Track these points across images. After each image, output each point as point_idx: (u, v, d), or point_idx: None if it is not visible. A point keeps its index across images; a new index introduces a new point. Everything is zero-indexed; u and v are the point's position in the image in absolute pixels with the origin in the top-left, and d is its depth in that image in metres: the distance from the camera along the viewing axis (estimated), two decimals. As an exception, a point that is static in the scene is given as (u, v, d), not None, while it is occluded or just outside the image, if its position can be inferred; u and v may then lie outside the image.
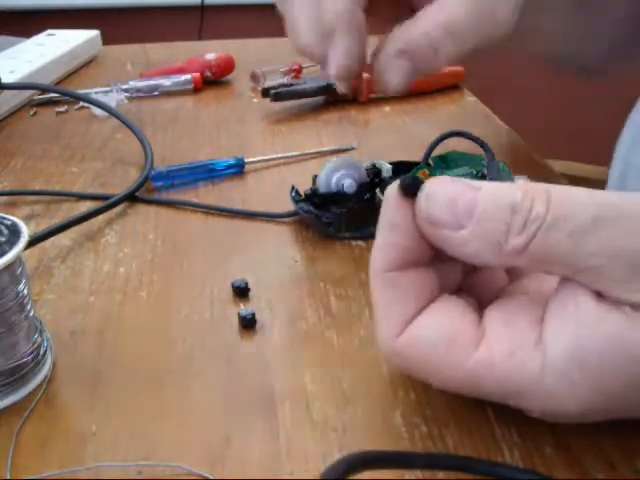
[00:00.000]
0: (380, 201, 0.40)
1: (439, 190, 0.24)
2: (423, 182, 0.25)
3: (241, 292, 0.35)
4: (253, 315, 0.32)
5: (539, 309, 0.24)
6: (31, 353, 0.29)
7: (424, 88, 0.66)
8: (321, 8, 0.34)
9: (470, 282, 0.28)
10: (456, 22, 0.33)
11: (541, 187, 0.23)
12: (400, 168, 0.42)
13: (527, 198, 0.22)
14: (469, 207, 0.23)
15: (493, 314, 0.25)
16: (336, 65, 0.35)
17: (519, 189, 0.23)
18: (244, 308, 0.34)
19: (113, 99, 0.65)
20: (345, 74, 0.35)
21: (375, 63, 0.35)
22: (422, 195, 0.25)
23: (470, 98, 0.67)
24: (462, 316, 0.25)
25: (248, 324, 0.32)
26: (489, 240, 0.23)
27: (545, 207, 0.22)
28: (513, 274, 0.29)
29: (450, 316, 0.25)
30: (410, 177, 0.25)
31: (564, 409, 0.23)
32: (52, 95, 0.66)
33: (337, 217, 0.40)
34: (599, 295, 0.22)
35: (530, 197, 0.22)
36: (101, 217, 0.43)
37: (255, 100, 0.67)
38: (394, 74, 0.34)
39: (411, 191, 0.25)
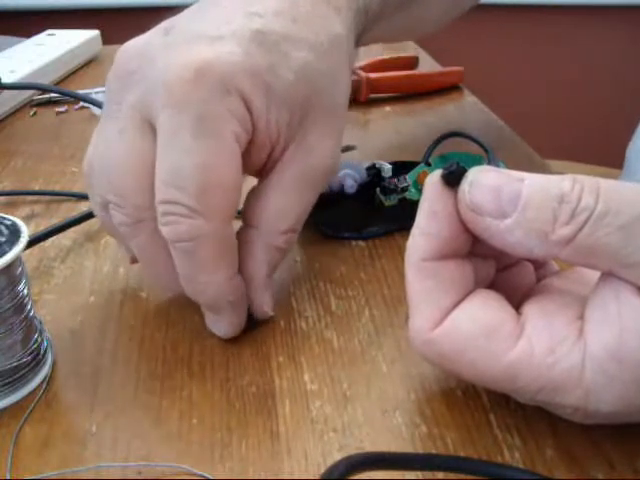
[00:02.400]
0: (380, 201, 0.40)
1: (483, 178, 0.24)
2: (466, 170, 0.25)
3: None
4: (251, 315, 0.32)
5: (577, 305, 0.24)
6: (31, 353, 0.29)
7: (424, 88, 0.66)
8: (191, 282, 0.30)
9: (499, 280, 0.28)
10: (296, 213, 0.32)
11: (590, 178, 0.23)
12: (400, 168, 0.42)
13: (576, 188, 0.22)
14: (514, 195, 0.23)
15: (531, 309, 0.24)
16: (227, 331, 0.31)
17: (567, 179, 0.23)
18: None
19: (113, 99, 0.65)
20: (236, 332, 0.32)
21: (253, 295, 0.32)
22: (466, 182, 0.24)
23: (470, 98, 0.67)
24: (500, 309, 0.25)
25: (249, 324, 0.32)
26: (534, 229, 0.23)
27: (594, 198, 0.22)
28: (540, 273, 0.28)
29: (489, 308, 0.25)
30: (454, 165, 0.25)
31: (598, 406, 0.23)
32: (52, 95, 0.66)
33: (337, 217, 0.40)
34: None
35: (579, 187, 0.22)
36: (101, 217, 0.43)
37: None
38: (269, 304, 0.32)
39: (454, 179, 0.25)
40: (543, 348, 0.23)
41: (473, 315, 0.24)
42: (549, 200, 0.22)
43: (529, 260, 0.29)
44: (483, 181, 0.24)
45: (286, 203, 0.31)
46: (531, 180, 0.23)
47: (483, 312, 0.24)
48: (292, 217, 0.32)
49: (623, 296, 0.22)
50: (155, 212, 0.28)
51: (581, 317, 0.23)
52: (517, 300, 0.26)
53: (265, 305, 0.32)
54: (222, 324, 0.31)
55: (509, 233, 0.23)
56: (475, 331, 0.24)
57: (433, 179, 0.25)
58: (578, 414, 0.24)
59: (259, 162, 0.31)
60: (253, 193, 0.32)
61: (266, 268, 0.32)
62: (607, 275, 0.23)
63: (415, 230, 0.26)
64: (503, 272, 0.28)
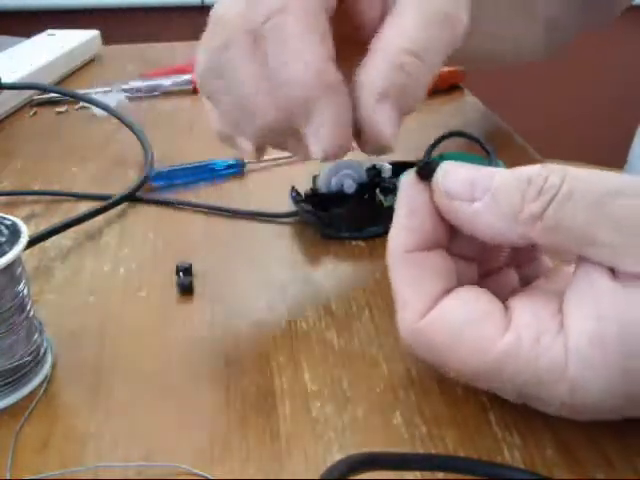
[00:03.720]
0: (380, 201, 0.40)
1: (457, 168, 0.25)
2: (439, 164, 0.26)
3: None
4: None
5: (559, 299, 0.24)
6: (31, 353, 0.29)
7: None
8: (278, 76, 0.26)
9: (483, 285, 0.27)
10: (421, 40, 0.27)
11: (559, 165, 0.24)
12: (400, 168, 0.42)
13: (544, 171, 0.23)
14: (486, 181, 0.24)
15: (517, 303, 0.25)
16: (326, 142, 0.26)
17: (537, 165, 0.24)
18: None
19: (113, 99, 0.65)
20: (338, 152, 0.27)
21: (357, 120, 0.27)
22: (440, 172, 0.25)
23: (470, 98, 0.67)
24: (488, 301, 0.25)
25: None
26: (504, 210, 0.23)
27: (561, 179, 0.23)
28: (529, 273, 0.29)
29: (477, 300, 0.25)
30: (426, 159, 0.26)
31: (585, 397, 0.23)
32: (52, 95, 0.66)
33: (337, 217, 0.40)
34: (613, 273, 0.22)
35: (547, 170, 0.23)
36: (101, 217, 0.43)
37: (255, 100, 0.67)
38: (385, 124, 0.27)
39: (428, 172, 0.26)
40: (529, 341, 0.23)
41: (461, 304, 0.25)
42: (518, 182, 0.23)
43: (514, 258, 0.29)
44: (457, 170, 0.25)
45: (409, 24, 0.27)
46: (502, 172, 0.24)
47: (471, 303, 0.25)
48: (415, 38, 0.27)
49: (597, 282, 0.23)
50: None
51: (561, 310, 0.24)
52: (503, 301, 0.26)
53: (381, 125, 0.27)
54: (322, 130, 0.26)
55: (480, 216, 0.24)
56: (463, 320, 0.24)
57: (409, 175, 0.26)
58: (565, 408, 0.24)
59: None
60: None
61: (382, 82, 0.26)
62: (581, 263, 0.24)
63: (396, 224, 0.26)
64: (486, 278, 0.28)
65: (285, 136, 0.29)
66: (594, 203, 0.22)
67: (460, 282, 0.26)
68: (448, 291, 0.25)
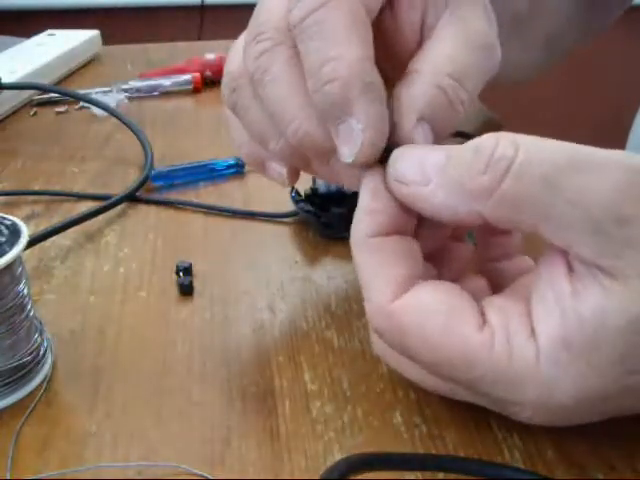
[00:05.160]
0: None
1: (408, 151, 0.25)
2: (396, 148, 0.25)
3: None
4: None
5: (528, 298, 0.24)
6: (31, 353, 0.29)
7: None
8: (318, 73, 0.25)
9: None
10: (463, 65, 0.26)
11: (508, 133, 0.22)
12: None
13: (491, 139, 0.22)
14: (437, 162, 0.23)
15: (489, 304, 0.24)
16: (359, 143, 0.25)
17: (484, 135, 0.23)
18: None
19: (113, 99, 0.65)
20: (369, 155, 0.25)
21: (392, 139, 0.26)
22: (392, 157, 0.25)
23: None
24: (463, 295, 0.24)
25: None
26: (454, 185, 0.23)
27: (514, 148, 0.22)
28: (496, 286, 0.28)
29: (451, 291, 0.24)
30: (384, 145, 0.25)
31: (559, 399, 0.22)
32: (52, 95, 0.66)
33: (337, 217, 0.40)
34: (572, 272, 0.22)
35: (495, 137, 0.22)
36: (101, 217, 0.43)
37: (255, 100, 0.67)
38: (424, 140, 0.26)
39: (385, 157, 0.25)
40: (502, 342, 0.23)
41: (436, 293, 0.24)
42: (465, 152, 0.23)
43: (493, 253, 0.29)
44: (407, 154, 0.25)
45: (452, 49, 0.27)
46: (456, 146, 0.23)
47: (446, 292, 0.24)
48: (458, 62, 0.26)
49: (557, 282, 0.22)
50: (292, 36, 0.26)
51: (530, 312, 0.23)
52: None
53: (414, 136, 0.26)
54: (356, 129, 0.25)
55: (433, 196, 0.23)
56: (438, 307, 0.24)
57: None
58: (540, 412, 0.23)
59: (414, 23, 0.27)
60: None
61: (423, 102, 0.26)
62: (543, 261, 0.23)
63: (358, 209, 0.26)
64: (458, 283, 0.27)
65: (315, 154, 0.28)
66: (551, 177, 0.21)
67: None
68: (415, 277, 0.25)
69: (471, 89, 0.27)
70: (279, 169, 0.31)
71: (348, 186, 0.28)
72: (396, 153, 0.25)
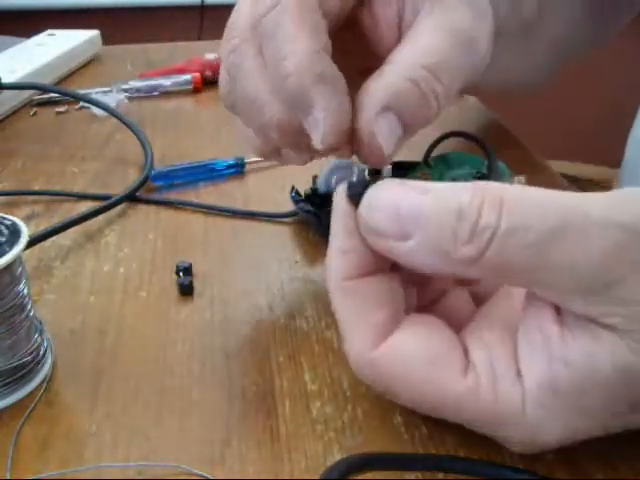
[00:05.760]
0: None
1: (381, 197, 0.23)
2: (368, 187, 0.24)
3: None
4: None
5: (514, 336, 0.23)
6: (31, 353, 0.29)
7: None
8: (277, 70, 0.26)
9: (434, 312, 0.26)
10: (440, 60, 0.26)
11: (493, 190, 0.21)
12: (400, 168, 0.42)
13: (474, 203, 0.21)
14: (414, 213, 0.22)
15: (474, 344, 0.24)
16: (323, 130, 0.26)
17: (468, 191, 0.21)
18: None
19: (113, 99, 0.65)
20: (336, 140, 0.26)
21: (356, 128, 0.27)
22: (364, 204, 0.23)
23: (470, 98, 0.67)
24: (445, 337, 0.24)
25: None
26: (436, 249, 0.22)
27: (497, 214, 0.21)
28: (479, 298, 0.28)
29: (433, 334, 0.24)
30: (354, 183, 0.24)
31: (545, 439, 0.22)
32: (52, 95, 0.66)
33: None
34: (560, 316, 0.22)
35: (479, 201, 0.21)
36: (101, 217, 0.43)
37: (255, 100, 0.67)
38: (385, 137, 0.26)
39: (356, 199, 0.24)
40: (488, 384, 0.22)
41: (417, 338, 0.23)
42: (448, 216, 0.21)
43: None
44: (380, 202, 0.23)
45: (429, 42, 0.26)
46: (433, 192, 0.22)
47: (427, 337, 0.23)
48: (435, 56, 0.26)
49: (545, 326, 0.22)
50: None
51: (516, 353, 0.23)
52: (456, 329, 0.25)
53: (379, 137, 0.26)
54: (319, 118, 0.25)
55: (412, 254, 0.22)
56: (420, 355, 0.23)
57: (340, 196, 0.25)
58: (528, 447, 0.23)
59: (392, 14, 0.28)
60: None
61: (387, 93, 0.26)
62: (529, 301, 0.23)
63: (331, 250, 0.25)
64: (436, 304, 0.27)
65: (296, 135, 0.28)
66: (536, 242, 0.20)
67: (410, 308, 0.25)
68: (396, 318, 0.24)
69: (447, 83, 0.26)
70: (292, 153, 0.31)
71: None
72: (368, 197, 0.23)
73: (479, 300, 0.27)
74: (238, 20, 0.29)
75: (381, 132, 0.26)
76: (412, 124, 0.27)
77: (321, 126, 0.26)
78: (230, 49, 0.28)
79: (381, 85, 0.26)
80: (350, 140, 0.27)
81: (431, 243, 0.22)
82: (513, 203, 0.21)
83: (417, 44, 0.27)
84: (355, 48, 0.27)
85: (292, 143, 0.29)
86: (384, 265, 0.25)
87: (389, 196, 0.23)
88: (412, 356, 0.23)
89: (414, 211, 0.22)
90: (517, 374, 0.22)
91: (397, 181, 0.23)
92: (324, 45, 0.26)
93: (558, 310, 0.22)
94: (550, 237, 0.20)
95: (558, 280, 0.21)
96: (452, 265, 0.22)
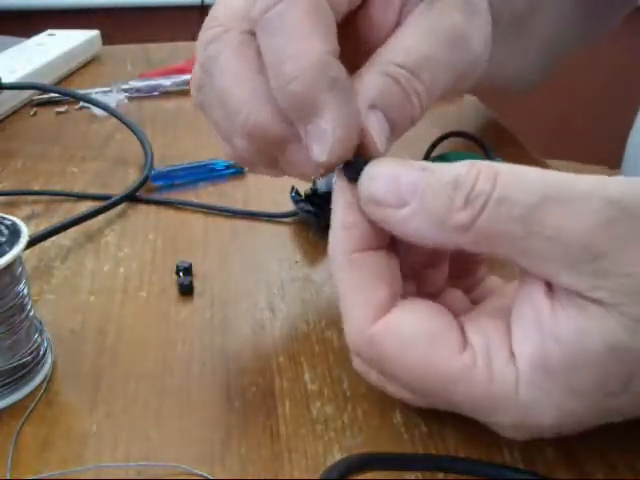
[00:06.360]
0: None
1: (381, 169, 0.23)
2: (367, 163, 0.24)
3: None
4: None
5: (508, 320, 0.23)
6: (31, 353, 0.29)
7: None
8: (280, 70, 0.24)
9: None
10: (419, 56, 0.26)
11: (489, 164, 0.22)
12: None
13: (472, 172, 0.22)
14: (412, 184, 0.22)
15: (469, 325, 0.24)
16: (331, 142, 0.24)
17: (465, 166, 0.22)
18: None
19: (113, 99, 0.65)
20: (342, 155, 0.24)
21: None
22: (364, 175, 0.24)
23: (470, 98, 0.67)
24: (444, 316, 0.24)
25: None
26: (431, 216, 0.22)
27: (491, 184, 0.21)
28: (474, 301, 0.28)
29: (433, 314, 0.24)
30: (353, 160, 0.24)
31: (539, 421, 0.22)
32: (52, 95, 0.66)
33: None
34: (552, 292, 0.22)
35: (475, 172, 0.22)
36: (101, 217, 0.43)
37: (255, 100, 0.67)
38: (378, 133, 0.25)
39: (354, 173, 0.24)
40: (483, 365, 0.22)
41: (416, 316, 0.24)
42: (444, 186, 0.22)
43: (460, 279, 0.28)
44: (381, 172, 0.23)
45: (409, 40, 0.26)
46: (433, 168, 0.23)
47: (426, 315, 0.24)
48: (415, 54, 0.25)
49: (536, 303, 0.22)
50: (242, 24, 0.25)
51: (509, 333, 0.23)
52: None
53: (372, 132, 0.25)
54: (324, 129, 0.24)
55: (408, 222, 0.23)
56: (418, 332, 0.23)
57: (338, 173, 0.25)
58: (521, 432, 0.23)
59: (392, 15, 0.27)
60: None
61: (373, 90, 0.25)
62: (522, 284, 0.23)
63: (333, 226, 0.25)
64: (435, 299, 0.27)
65: (270, 147, 0.26)
66: (528, 212, 0.21)
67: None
68: (395, 297, 0.24)
69: (428, 81, 0.26)
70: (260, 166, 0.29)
71: (312, 177, 0.27)
72: (368, 170, 0.24)
73: (474, 303, 0.28)
74: (222, 10, 0.27)
75: (374, 129, 0.25)
76: (398, 122, 0.26)
77: (329, 137, 0.24)
78: (209, 39, 0.26)
79: (365, 83, 0.25)
80: (350, 153, 0.25)
81: (427, 210, 0.22)
82: (507, 176, 0.22)
83: (398, 43, 0.26)
84: (345, 47, 0.25)
85: (260, 153, 0.27)
86: (383, 241, 0.25)
87: (389, 169, 0.23)
88: (410, 333, 0.23)
89: (412, 181, 0.22)
90: (511, 355, 0.22)
91: (396, 159, 0.23)
92: (336, 47, 0.24)
93: (550, 287, 0.22)
94: (539, 207, 0.21)
95: (546, 251, 0.21)
96: (446, 233, 0.22)
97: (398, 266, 0.25)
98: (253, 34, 0.25)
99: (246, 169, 0.50)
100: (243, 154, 0.28)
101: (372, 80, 0.25)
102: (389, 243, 0.25)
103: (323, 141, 0.24)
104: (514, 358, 0.22)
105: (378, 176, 0.23)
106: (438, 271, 0.28)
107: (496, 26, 0.32)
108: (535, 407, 0.22)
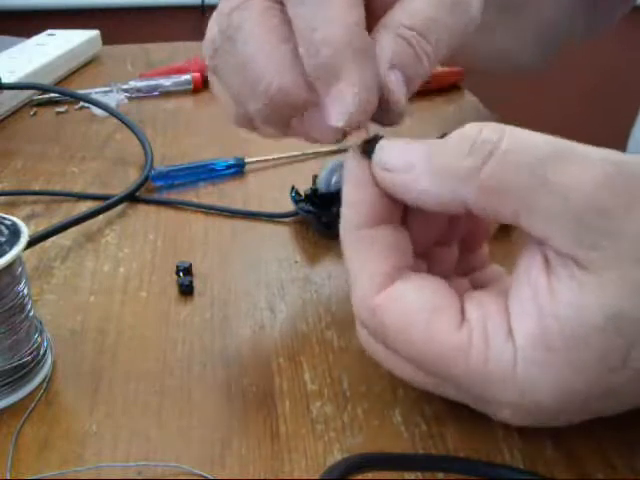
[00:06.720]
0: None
1: (394, 142, 0.25)
2: (381, 139, 0.26)
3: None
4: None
5: (506, 299, 0.24)
6: (31, 353, 0.29)
7: (424, 88, 0.66)
8: (310, 37, 0.25)
9: None
10: (425, 19, 0.27)
11: (493, 123, 0.23)
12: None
13: (477, 126, 0.23)
14: (421, 151, 0.24)
15: (469, 303, 0.24)
16: (351, 106, 0.25)
17: (470, 124, 0.23)
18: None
19: (113, 99, 0.65)
20: (361, 118, 0.26)
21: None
22: (378, 147, 0.25)
23: (470, 98, 0.67)
24: (447, 292, 0.24)
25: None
26: (439, 170, 0.23)
27: (498, 135, 0.22)
28: (477, 285, 0.28)
29: (436, 288, 0.24)
30: (367, 139, 0.26)
31: (537, 399, 0.22)
32: (52, 95, 0.66)
33: (337, 217, 0.40)
34: (549, 268, 0.22)
35: (481, 126, 0.23)
36: (101, 217, 0.43)
37: (255, 100, 0.67)
38: (401, 91, 0.27)
39: (371, 148, 0.25)
40: (480, 342, 0.23)
41: (419, 289, 0.24)
42: (450, 143, 0.23)
43: (464, 265, 0.29)
44: (393, 143, 0.25)
45: (416, 5, 0.27)
46: (440, 141, 0.24)
47: (429, 289, 0.24)
48: (421, 17, 0.27)
49: (534, 279, 0.22)
50: None
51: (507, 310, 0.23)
52: None
53: (394, 88, 0.26)
54: (346, 93, 0.25)
55: (417, 183, 0.24)
56: (421, 304, 0.24)
57: (353, 150, 0.26)
58: (519, 413, 0.23)
59: None
60: None
61: (390, 52, 0.26)
62: (521, 260, 0.23)
63: (344, 201, 0.26)
64: None
65: (290, 111, 0.28)
66: (535, 165, 0.21)
67: None
68: (402, 268, 0.25)
69: (434, 42, 0.27)
70: (270, 130, 0.30)
71: (324, 142, 0.28)
72: (382, 143, 0.25)
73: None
74: None
75: (395, 86, 0.26)
76: (411, 84, 0.27)
77: (349, 102, 0.25)
78: (232, 6, 0.27)
79: (383, 46, 0.26)
80: (368, 118, 0.26)
81: (434, 167, 0.23)
82: (513, 132, 0.22)
83: (406, 6, 0.27)
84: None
85: (276, 116, 0.28)
86: (393, 217, 0.26)
87: (401, 141, 0.25)
88: (412, 305, 0.24)
89: (421, 148, 0.24)
90: (509, 332, 0.22)
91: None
92: (362, 16, 0.26)
93: (548, 263, 0.22)
94: (545, 162, 0.21)
95: (551, 204, 0.21)
96: (452, 186, 0.23)
97: (409, 242, 0.26)
98: (276, 2, 0.26)
99: (247, 169, 0.50)
100: (255, 118, 0.29)
101: (388, 42, 0.26)
102: (401, 221, 0.26)
103: (344, 105, 0.25)
104: (512, 335, 0.22)
105: (391, 146, 0.25)
106: (449, 250, 0.28)
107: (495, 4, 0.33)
108: (534, 385, 0.22)
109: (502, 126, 0.23)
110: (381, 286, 0.24)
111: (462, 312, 0.24)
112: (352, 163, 0.26)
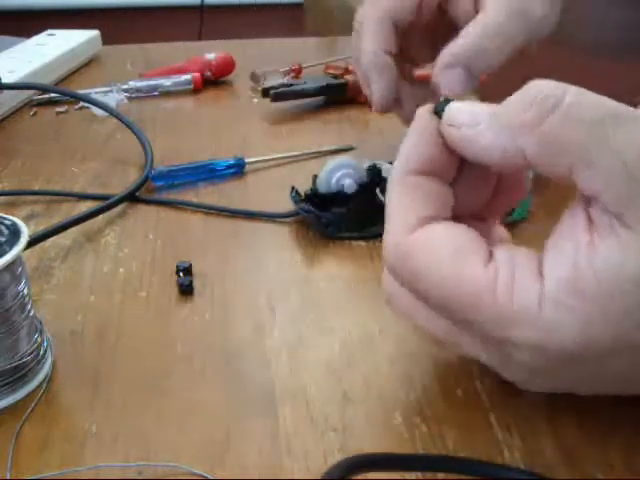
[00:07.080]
0: (381, 201, 0.40)
1: (464, 102, 0.26)
2: (452, 101, 0.27)
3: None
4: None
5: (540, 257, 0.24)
6: (31, 353, 0.29)
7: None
8: (358, 57, 0.44)
9: None
10: (492, 26, 0.38)
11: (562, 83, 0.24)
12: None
13: (538, 83, 0.24)
14: (487, 108, 0.25)
15: (500, 249, 0.25)
16: (376, 99, 0.43)
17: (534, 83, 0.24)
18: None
19: (113, 99, 0.65)
20: (383, 108, 0.44)
21: (432, 78, 0.40)
22: (448, 107, 0.26)
23: (470, 98, 0.67)
24: (474, 234, 0.25)
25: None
26: (501, 124, 0.24)
27: (562, 90, 0.23)
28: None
29: (465, 232, 0.25)
30: (444, 99, 0.27)
31: (561, 342, 0.22)
32: (52, 95, 0.66)
33: (337, 217, 0.40)
34: (592, 227, 0.23)
35: (542, 82, 0.24)
36: (101, 217, 0.43)
37: (255, 100, 0.67)
38: (448, 82, 0.39)
39: (440, 107, 0.27)
40: (507, 278, 0.23)
41: (449, 231, 0.25)
42: (514, 97, 0.24)
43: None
44: (463, 103, 0.26)
45: (489, 17, 0.38)
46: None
47: (458, 232, 0.25)
48: (490, 26, 0.38)
49: (575, 233, 0.23)
50: None
51: (540, 259, 0.24)
52: None
53: (444, 82, 0.40)
54: (375, 88, 0.43)
55: (481, 136, 0.24)
56: (448, 244, 0.24)
57: (424, 108, 0.27)
58: (537, 357, 0.23)
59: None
60: None
61: (452, 54, 0.39)
62: (564, 216, 0.24)
63: (403, 147, 0.27)
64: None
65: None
66: (596, 121, 0.22)
67: None
68: (438, 219, 0.26)
69: (500, 44, 0.39)
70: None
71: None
72: (452, 104, 0.26)
73: None
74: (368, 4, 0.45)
75: (445, 80, 0.40)
76: (475, 72, 0.40)
77: (375, 96, 0.44)
78: (359, 19, 0.45)
79: (445, 49, 0.39)
80: (391, 107, 0.44)
81: (498, 120, 0.24)
82: (576, 90, 0.23)
83: (481, 20, 0.39)
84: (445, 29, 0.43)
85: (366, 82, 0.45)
86: (444, 174, 0.27)
87: (469, 102, 0.26)
88: (440, 244, 0.24)
89: (486, 107, 0.25)
90: (538, 274, 0.23)
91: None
92: (383, 45, 0.43)
93: (589, 220, 0.23)
94: (606, 119, 0.22)
95: (607, 161, 0.22)
96: (514, 137, 0.23)
97: (451, 200, 0.27)
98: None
99: (247, 169, 0.50)
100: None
101: (453, 46, 0.39)
102: (449, 179, 0.27)
103: (374, 97, 0.44)
104: (542, 278, 0.23)
105: (459, 106, 0.26)
106: (483, 226, 0.29)
107: None
108: (560, 327, 0.22)
109: (564, 84, 0.23)
110: (414, 229, 0.25)
111: (491, 254, 0.24)
112: (420, 114, 0.27)
